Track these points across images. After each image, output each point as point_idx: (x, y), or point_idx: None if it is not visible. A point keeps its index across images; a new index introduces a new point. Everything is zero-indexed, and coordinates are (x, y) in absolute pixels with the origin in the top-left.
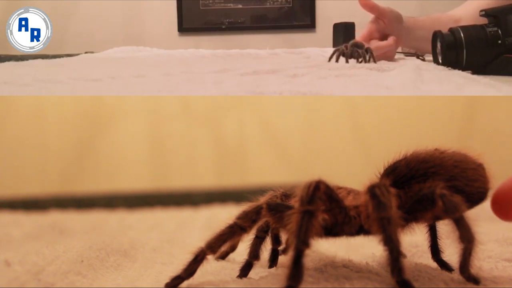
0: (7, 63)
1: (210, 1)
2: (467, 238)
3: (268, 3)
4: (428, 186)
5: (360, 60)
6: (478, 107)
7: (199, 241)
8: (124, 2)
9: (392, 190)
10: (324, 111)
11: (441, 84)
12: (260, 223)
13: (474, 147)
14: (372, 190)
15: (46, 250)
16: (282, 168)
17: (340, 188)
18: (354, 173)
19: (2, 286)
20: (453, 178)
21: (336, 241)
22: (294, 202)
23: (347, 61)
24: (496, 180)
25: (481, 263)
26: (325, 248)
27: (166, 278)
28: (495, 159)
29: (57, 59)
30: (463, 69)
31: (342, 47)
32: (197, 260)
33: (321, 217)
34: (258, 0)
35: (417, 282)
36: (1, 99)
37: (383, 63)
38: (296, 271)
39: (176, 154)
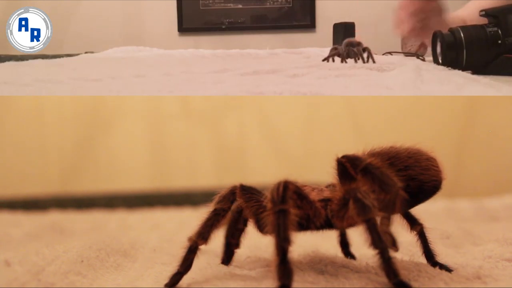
0: (7, 63)
1: (210, 1)
2: (375, 244)
3: (268, 3)
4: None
5: (357, 59)
6: (478, 107)
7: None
8: (124, 2)
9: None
10: (324, 111)
11: (441, 84)
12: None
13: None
14: (354, 194)
15: (46, 250)
16: (282, 168)
17: (304, 186)
18: None
19: (2, 286)
20: (408, 167)
21: (335, 242)
22: (266, 202)
23: (343, 61)
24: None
25: (481, 263)
26: (325, 248)
27: (166, 278)
28: (495, 159)
29: (57, 59)
30: (463, 69)
31: (339, 47)
32: (191, 251)
33: (294, 214)
34: (258, 0)
35: (416, 282)
36: (1, 99)
37: (383, 63)
38: (285, 268)
39: (176, 154)
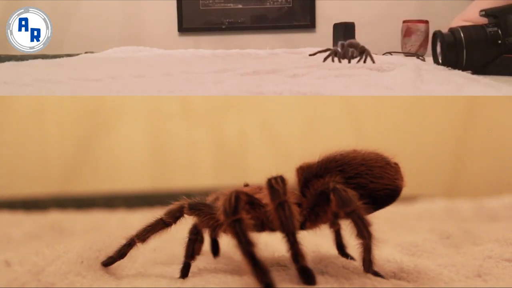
0: (7, 63)
1: (210, 1)
2: (362, 234)
3: (268, 3)
4: (326, 182)
5: (355, 57)
6: (478, 107)
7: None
8: (124, 2)
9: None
10: (324, 111)
11: (441, 84)
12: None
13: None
14: (269, 183)
15: (47, 250)
16: (282, 168)
17: (261, 188)
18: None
19: (2, 286)
20: (357, 175)
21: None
22: (219, 215)
23: (339, 61)
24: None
25: (481, 262)
26: (325, 249)
27: (166, 279)
28: (495, 159)
29: (57, 59)
30: (463, 69)
31: (333, 48)
32: (128, 245)
33: (248, 219)
34: (258, 0)
35: (416, 282)
36: (1, 99)
37: (383, 63)
38: (260, 269)
39: (176, 154)
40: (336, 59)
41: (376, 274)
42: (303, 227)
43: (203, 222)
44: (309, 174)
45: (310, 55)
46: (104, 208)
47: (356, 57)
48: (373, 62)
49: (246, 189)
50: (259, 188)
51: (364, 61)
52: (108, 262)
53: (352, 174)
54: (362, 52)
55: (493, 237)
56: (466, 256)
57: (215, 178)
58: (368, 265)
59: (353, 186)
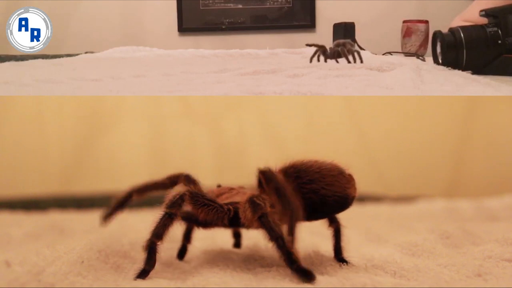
0: (7, 63)
1: (210, 1)
2: (285, 206)
3: (268, 3)
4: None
5: (342, 56)
6: (478, 107)
7: (199, 241)
8: (124, 2)
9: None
10: (324, 111)
11: (441, 84)
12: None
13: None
14: (251, 200)
15: (47, 250)
16: None
17: (232, 188)
18: (354, 172)
19: (2, 287)
20: (311, 181)
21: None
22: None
23: (325, 60)
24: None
25: (482, 262)
26: (325, 249)
27: (166, 279)
28: (495, 159)
29: (57, 59)
30: (463, 69)
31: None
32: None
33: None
34: (258, 0)
35: (416, 281)
36: (1, 99)
37: (383, 63)
38: (150, 258)
39: (176, 154)
40: (322, 58)
41: (300, 270)
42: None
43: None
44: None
45: (311, 57)
46: (104, 208)
47: (343, 57)
48: (361, 62)
49: (216, 190)
50: (230, 189)
51: (354, 61)
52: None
53: (306, 180)
54: (350, 52)
55: (493, 237)
56: (466, 256)
57: (215, 178)
58: (288, 265)
59: (306, 191)
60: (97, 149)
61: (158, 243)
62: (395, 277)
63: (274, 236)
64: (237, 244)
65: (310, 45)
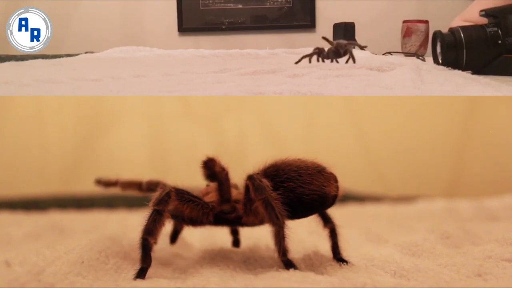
0: (7, 63)
1: (210, 1)
2: (273, 221)
3: (268, 3)
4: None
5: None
6: (478, 107)
7: (200, 241)
8: (124, 2)
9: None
10: (324, 111)
11: (441, 84)
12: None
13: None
14: (251, 180)
15: (47, 251)
16: None
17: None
18: (354, 172)
19: (2, 287)
20: (288, 179)
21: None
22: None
23: (323, 61)
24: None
25: (482, 262)
26: (324, 249)
27: (166, 279)
28: (495, 159)
29: (57, 59)
30: (463, 69)
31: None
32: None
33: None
34: (258, 0)
35: (416, 281)
36: (1, 99)
37: (383, 63)
38: (145, 255)
39: (176, 154)
40: (320, 59)
41: (288, 263)
42: (239, 221)
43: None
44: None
45: (295, 63)
46: (104, 208)
47: (339, 57)
48: (354, 62)
49: (203, 189)
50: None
51: (354, 61)
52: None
53: (283, 178)
54: (346, 53)
55: (493, 237)
56: (466, 256)
57: None
58: (280, 252)
59: (284, 189)
60: (97, 149)
61: (152, 240)
62: (395, 277)
63: (277, 223)
64: (236, 242)
65: (325, 39)
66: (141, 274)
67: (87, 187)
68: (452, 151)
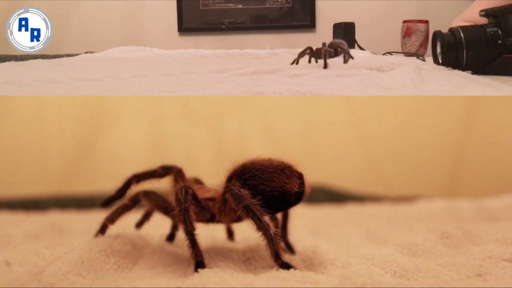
0: (7, 63)
1: (210, 1)
2: (259, 226)
3: (268, 3)
4: (226, 186)
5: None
6: (478, 107)
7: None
8: (124, 2)
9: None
10: (324, 111)
11: (441, 84)
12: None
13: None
14: (230, 189)
15: (47, 251)
16: None
17: (202, 186)
18: (354, 172)
19: (2, 287)
20: (251, 177)
21: (335, 242)
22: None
23: (316, 61)
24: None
25: (482, 262)
26: (324, 249)
27: (166, 279)
28: (495, 159)
29: (57, 59)
30: (463, 69)
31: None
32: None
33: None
34: (258, 0)
35: (416, 281)
36: (1, 99)
37: (383, 63)
38: (196, 249)
39: (176, 154)
40: (313, 59)
41: (283, 265)
42: (214, 219)
43: (157, 205)
44: (228, 177)
45: (291, 64)
46: (104, 208)
47: (331, 57)
48: (344, 62)
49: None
50: (200, 187)
51: (347, 60)
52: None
53: (247, 176)
54: (337, 53)
55: (493, 237)
56: (466, 256)
57: (215, 178)
58: (275, 256)
59: (247, 187)
60: (97, 149)
61: (195, 232)
62: (395, 277)
63: (263, 228)
64: (230, 235)
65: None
66: (200, 266)
67: (87, 187)
68: (452, 151)
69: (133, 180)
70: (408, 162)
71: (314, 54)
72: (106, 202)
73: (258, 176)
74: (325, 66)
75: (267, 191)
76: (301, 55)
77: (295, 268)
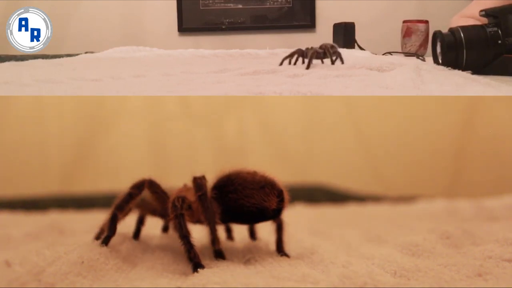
0: (7, 63)
1: (210, 1)
2: (206, 215)
3: (268, 3)
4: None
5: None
6: (478, 107)
7: (200, 241)
8: (124, 2)
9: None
10: (324, 111)
11: (441, 84)
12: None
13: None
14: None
15: (47, 251)
16: (282, 168)
17: (188, 188)
18: (354, 172)
19: (2, 287)
20: (232, 191)
21: (335, 242)
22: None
23: (303, 62)
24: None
25: (482, 262)
26: (324, 249)
27: (166, 279)
28: (495, 159)
29: (57, 59)
30: (463, 69)
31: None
32: (114, 219)
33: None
34: (258, 0)
35: (416, 281)
36: (1, 99)
37: (383, 63)
38: (192, 252)
39: (176, 154)
40: (300, 60)
41: (219, 254)
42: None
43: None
44: (213, 186)
45: (279, 64)
46: (104, 208)
47: (319, 58)
48: (332, 63)
49: (181, 187)
50: (187, 188)
51: (334, 61)
52: (107, 241)
53: (230, 189)
54: (335, 54)
55: (493, 237)
56: (466, 256)
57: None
58: (213, 244)
59: (228, 199)
60: (97, 149)
61: (191, 237)
62: (395, 276)
63: (209, 216)
64: (229, 235)
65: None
66: (198, 267)
67: (87, 187)
68: (452, 151)
69: (118, 213)
70: (408, 162)
71: (303, 54)
72: (104, 241)
73: (240, 191)
74: (308, 67)
75: (246, 206)
76: (288, 57)
77: (224, 258)
